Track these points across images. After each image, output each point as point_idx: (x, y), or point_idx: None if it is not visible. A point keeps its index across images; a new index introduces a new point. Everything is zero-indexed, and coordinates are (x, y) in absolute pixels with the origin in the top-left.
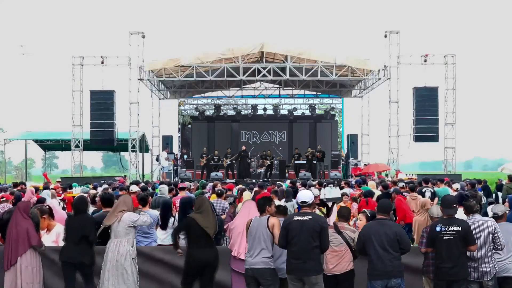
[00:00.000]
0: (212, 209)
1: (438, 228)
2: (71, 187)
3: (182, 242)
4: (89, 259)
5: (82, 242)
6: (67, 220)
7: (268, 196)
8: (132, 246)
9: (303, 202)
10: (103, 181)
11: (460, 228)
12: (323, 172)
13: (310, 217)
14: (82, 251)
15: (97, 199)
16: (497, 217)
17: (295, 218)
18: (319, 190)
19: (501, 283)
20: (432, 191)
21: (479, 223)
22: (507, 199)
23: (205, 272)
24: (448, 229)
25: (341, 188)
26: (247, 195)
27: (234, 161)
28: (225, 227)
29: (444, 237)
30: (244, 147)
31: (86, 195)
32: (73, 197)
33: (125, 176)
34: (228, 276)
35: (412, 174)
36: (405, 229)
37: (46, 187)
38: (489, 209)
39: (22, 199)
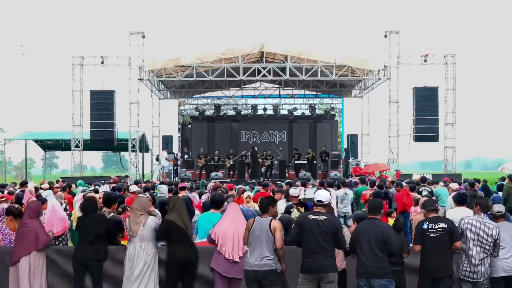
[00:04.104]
0: (185, 207)
1: (425, 226)
2: (70, 187)
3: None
4: (103, 255)
5: (96, 241)
6: (78, 221)
7: (272, 197)
8: (157, 248)
9: (320, 201)
10: (103, 181)
11: (446, 225)
12: (326, 172)
13: (325, 217)
14: (96, 249)
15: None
16: (500, 216)
17: (310, 217)
18: (300, 190)
19: (506, 282)
20: (430, 190)
21: (486, 224)
22: (490, 199)
23: (186, 270)
24: (434, 226)
25: (338, 188)
26: (246, 193)
27: (248, 160)
28: (209, 231)
29: (431, 235)
30: (255, 147)
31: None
32: (73, 197)
33: (126, 176)
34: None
35: (424, 174)
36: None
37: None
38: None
39: (23, 200)
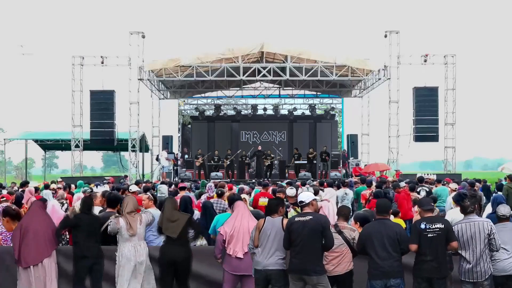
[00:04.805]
0: (171, 209)
1: (422, 226)
2: (70, 187)
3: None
4: (102, 256)
5: (93, 239)
6: (78, 217)
7: (281, 197)
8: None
9: (301, 202)
10: (105, 181)
11: (443, 226)
12: (326, 172)
13: (311, 217)
14: (95, 248)
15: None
16: (504, 218)
17: (296, 219)
18: (296, 190)
19: (507, 281)
20: (427, 190)
21: (475, 223)
22: (491, 199)
23: (178, 270)
24: (432, 226)
25: (339, 188)
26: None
27: (250, 160)
28: (219, 229)
29: (429, 235)
30: (260, 147)
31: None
32: (72, 197)
33: (126, 176)
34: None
35: (429, 174)
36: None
37: (47, 186)
38: (490, 208)
39: (23, 200)
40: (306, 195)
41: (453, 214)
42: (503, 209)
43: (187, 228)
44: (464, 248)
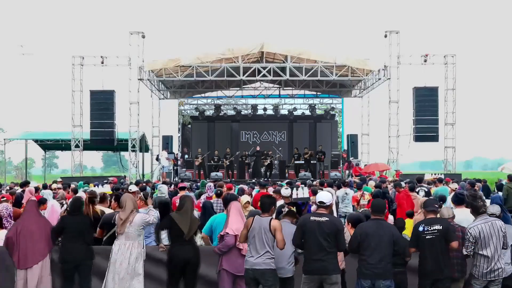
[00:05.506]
0: (191, 209)
1: (420, 228)
2: (69, 187)
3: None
4: (90, 257)
5: (79, 241)
6: (63, 220)
7: (274, 197)
8: (143, 248)
9: (321, 202)
10: (106, 181)
11: (441, 227)
12: (323, 172)
13: (326, 218)
14: (81, 249)
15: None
16: (494, 217)
17: (311, 218)
18: (291, 190)
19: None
20: (427, 190)
21: (492, 222)
22: (490, 198)
23: (187, 270)
24: (430, 228)
25: (339, 188)
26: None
27: (248, 160)
28: (226, 231)
29: (427, 237)
30: (258, 148)
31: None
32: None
33: (125, 176)
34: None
35: (436, 174)
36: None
37: (45, 186)
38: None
39: (23, 200)
40: (326, 196)
41: (457, 215)
42: (492, 208)
43: (195, 231)
44: (485, 248)
